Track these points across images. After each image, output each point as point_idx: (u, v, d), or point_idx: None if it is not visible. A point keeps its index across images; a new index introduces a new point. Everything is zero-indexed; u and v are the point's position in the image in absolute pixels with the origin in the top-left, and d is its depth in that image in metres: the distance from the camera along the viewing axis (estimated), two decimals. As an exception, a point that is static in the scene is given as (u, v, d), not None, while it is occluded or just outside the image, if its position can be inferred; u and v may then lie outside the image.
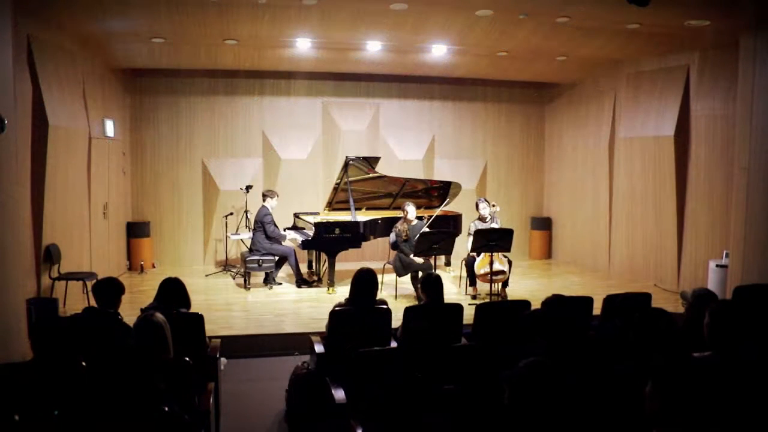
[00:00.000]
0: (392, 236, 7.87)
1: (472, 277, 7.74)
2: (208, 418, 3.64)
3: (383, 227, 8.27)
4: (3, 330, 4.53)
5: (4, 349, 4.45)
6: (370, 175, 8.44)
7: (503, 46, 8.22)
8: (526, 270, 9.94)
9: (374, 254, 10.07)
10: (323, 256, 8.48)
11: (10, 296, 4.65)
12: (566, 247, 10.68)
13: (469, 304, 6.41)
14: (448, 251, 7.73)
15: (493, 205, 7.87)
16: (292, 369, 4.77)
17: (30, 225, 6.49)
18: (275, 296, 7.99)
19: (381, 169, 8.62)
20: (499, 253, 7.45)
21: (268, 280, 8.39)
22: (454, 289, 8.25)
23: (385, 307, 4.74)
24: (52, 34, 6.96)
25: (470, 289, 7.87)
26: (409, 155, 10.47)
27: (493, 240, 7.16)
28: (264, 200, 8.33)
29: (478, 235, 7.21)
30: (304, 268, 8.84)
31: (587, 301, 4.85)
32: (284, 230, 8.59)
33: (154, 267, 9.67)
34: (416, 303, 6.84)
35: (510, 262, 7.69)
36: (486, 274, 7.39)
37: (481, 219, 7.77)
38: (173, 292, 4.42)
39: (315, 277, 8.75)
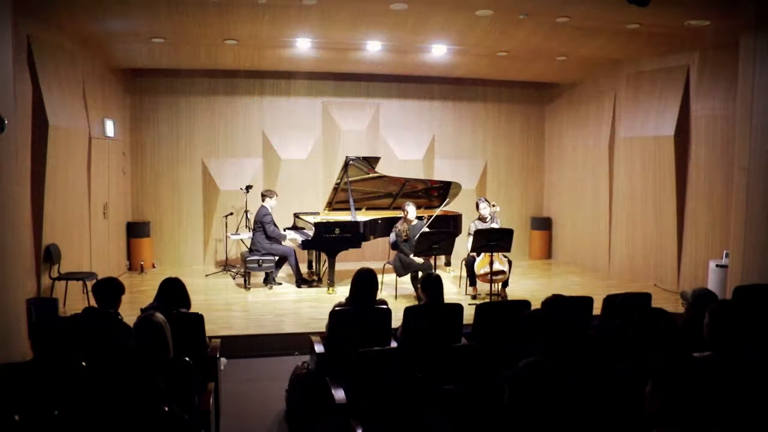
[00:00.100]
0: (392, 236, 7.87)
1: (472, 277, 7.74)
2: (208, 418, 3.64)
3: (383, 227, 8.27)
4: (3, 330, 4.54)
5: (4, 349, 4.45)
6: (370, 175, 8.44)
7: (503, 46, 8.22)
8: (526, 270, 9.94)
9: (374, 254, 10.07)
10: (323, 256, 8.48)
11: (10, 296, 4.65)
12: (566, 247, 10.68)
13: (469, 304, 6.41)
14: (448, 251, 7.73)
15: (493, 205, 7.87)
16: (292, 369, 4.77)
17: (30, 225, 6.49)
18: (275, 296, 7.99)
19: (381, 169, 8.62)
20: (499, 253, 7.46)
21: (268, 280, 8.39)
22: (454, 289, 8.25)
23: (385, 307, 4.73)
24: (52, 34, 6.96)
25: (470, 289, 7.87)
26: (409, 155, 10.47)
27: (493, 240, 7.16)
28: (263, 200, 8.33)
29: (478, 235, 7.21)
30: (304, 268, 8.84)
31: (587, 301, 4.85)
32: (284, 230, 8.59)
33: (154, 267, 9.67)
34: (416, 303, 6.84)
35: (510, 262, 7.69)
36: (486, 274, 7.39)
37: (482, 219, 7.77)
38: (173, 292, 4.42)
39: (315, 277, 8.75)
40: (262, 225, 8.21)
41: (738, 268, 6.37)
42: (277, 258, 8.30)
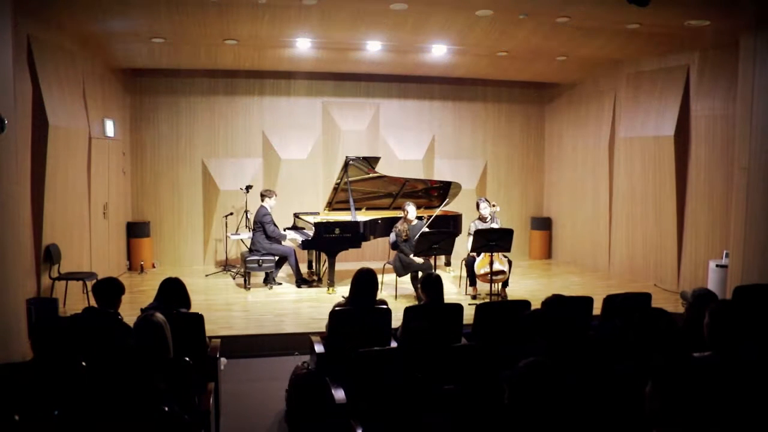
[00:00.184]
0: (392, 236, 7.87)
1: (472, 277, 7.74)
2: (208, 418, 3.64)
3: (383, 227, 8.27)
4: (3, 330, 4.54)
5: (4, 349, 4.45)
6: (370, 175, 8.44)
7: (503, 46, 8.22)
8: (526, 270, 9.94)
9: (374, 254, 10.08)
10: (323, 256, 8.48)
11: (10, 296, 4.65)
12: (566, 247, 10.68)
13: (469, 304, 6.41)
14: (448, 251, 7.73)
15: (493, 205, 7.87)
16: (292, 369, 4.77)
17: (30, 225, 6.49)
18: (275, 296, 7.99)
19: (381, 169, 8.62)
20: (499, 253, 7.46)
21: (268, 280, 8.39)
22: (454, 289, 8.25)
23: (385, 307, 4.73)
24: (52, 34, 6.96)
25: (470, 289, 7.87)
26: (409, 155, 10.47)
27: (493, 240, 7.16)
28: (262, 200, 8.33)
29: (478, 235, 7.21)
30: (304, 268, 8.84)
31: (587, 301, 4.85)
32: (284, 230, 8.60)
33: (154, 267, 9.67)
34: (416, 303, 6.84)
35: (510, 262, 7.69)
36: (486, 274, 7.39)
37: (482, 219, 7.77)
38: (173, 292, 4.42)
39: (315, 277, 8.75)
40: (261, 225, 8.21)
41: (738, 268, 6.37)
42: (277, 258, 8.30)
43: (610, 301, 4.77)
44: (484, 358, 3.79)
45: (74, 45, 7.53)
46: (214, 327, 6.32)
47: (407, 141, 10.53)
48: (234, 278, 8.90)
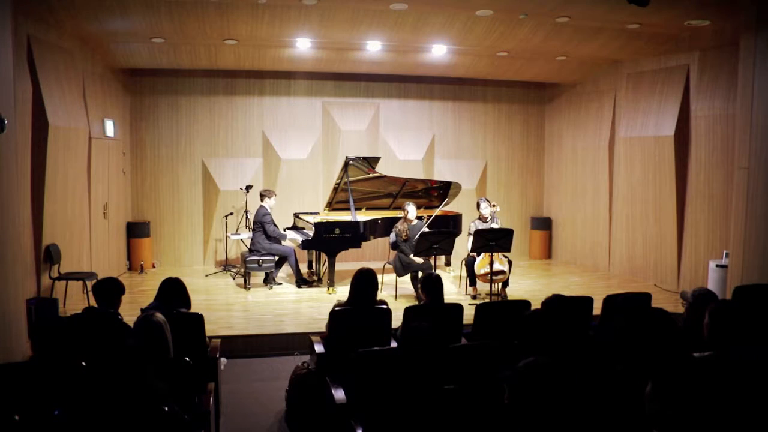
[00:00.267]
0: (392, 236, 7.88)
1: (472, 277, 7.74)
2: (208, 418, 3.64)
3: (383, 227, 8.27)
4: (3, 330, 4.53)
5: (4, 349, 4.45)
6: (370, 175, 8.44)
7: (503, 46, 8.22)
8: (526, 270, 9.94)
9: (374, 254, 10.08)
10: (323, 256, 8.48)
11: (10, 296, 4.65)
12: (566, 247, 10.68)
13: (469, 304, 6.41)
14: (448, 251, 7.72)
15: (494, 205, 7.87)
16: (292, 369, 4.77)
17: (30, 225, 6.49)
18: (275, 296, 7.99)
19: (381, 169, 8.62)
20: (499, 253, 7.46)
21: (268, 280, 8.39)
22: (454, 289, 8.25)
23: (385, 307, 4.73)
24: (52, 34, 6.96)
25: (470, 289, 7.88)
26: (409, 155, 10.47)
27: (493, 240, 7.16)
28: (262, 200, 8.33)
29: (478, 235, 7.21)
30: (304, 268, 8.85)
31: (587, 301, 4.85)
32: (284, 230, 8.60)
33: (154, 267, 9.67)
34: (416, 303, 6.84)
35: (510, 262, 7.69)
36: (486, 274, 7.39)
37: (482, 219, 7.78)
38: (173, 292, 4.41)
39: (315, 277, 8.75)
40: (261, 225, 8.22)
41: (738, 268, 6.37)
42: (277, 258, 8.30)
43: (610, 301, 4.77)
44: (484, 358, 3.79)
45: (74, 45, 7.53)
46: (214, 327, 6.32)
47: (407, 141, 10.53)
48: (234, 278, 8.90)
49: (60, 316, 6.23)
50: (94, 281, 5.24)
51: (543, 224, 10.96)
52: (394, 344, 4.54)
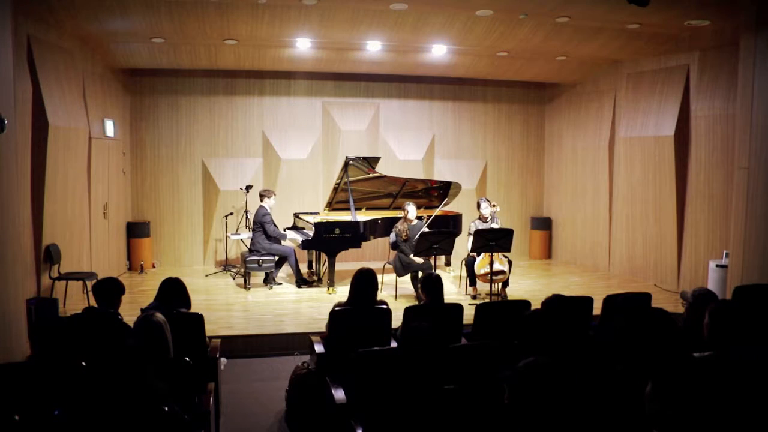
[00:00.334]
0: (392, 236, 7.88)
1: (472, 277, 7.74)
2: (208, 418, 3.64)
3: (383, 227, 8.27)
4: (3, 330, 4.53)
5: (4, 349, 4.45)
6: (370, 175, 8.44)
7: (503, 46, 8.23)
8: (526, 270, 9.94)
9: (374, 254, 10.08)
10: (323, 256, 8.48)
11: (10, 296, 4.65)
12: (566, 247, 10.68)
13: (469, 304, 6.41)
14: (448, 251, 7.72)
15: (494, 205, 7.87)
16: (292, 369, 4.77)
17: (30, 225, 6.49)
18: (275, 296, 7.99)
19: (381, 169, 8.62)
20: (499, 253, 7.46)
21: (268, 280, 8.39)
22: (454, 289, 8.25)
23: (385, 307, 4.73)
24: (52, 34, 6.96)
25: (470, 289, 7.88)
26: (409, 155, 10.47)
27: (493, 240, 7.16)
28: (261, 200, 8.33)
29: (478, 235, 7.21)
30: (304, 268, 8.85)
31: (587, 301, 4.85)
32: (284, 230, 8.60)
33: (154, 267, 9.67)
34: (416, 303, 6.84)
35: (510, 262, 7.69)
36: (486, 274, 7.39)
37: (482, 219, 7.78)
38: (173, 292, 4.42)
39: (315, 277, 8.75)
40: (261, 225, 8.22)
41: (738, 268, 6.37)
42: (277, 258, 8.30)
43: (610, 301, 4.77)
44: (484, 358, 3.79)
45: (74, 45, 7.53)
46: (214, 327, 6.32)
47: (407, 141, 10.53)
48: (234, 278, 8.90)
49: (60, 316, 6.23)
50: (94, 281, 5.24)
51: (543, 224, 10.96)
52: (394, 344, 4.54)
